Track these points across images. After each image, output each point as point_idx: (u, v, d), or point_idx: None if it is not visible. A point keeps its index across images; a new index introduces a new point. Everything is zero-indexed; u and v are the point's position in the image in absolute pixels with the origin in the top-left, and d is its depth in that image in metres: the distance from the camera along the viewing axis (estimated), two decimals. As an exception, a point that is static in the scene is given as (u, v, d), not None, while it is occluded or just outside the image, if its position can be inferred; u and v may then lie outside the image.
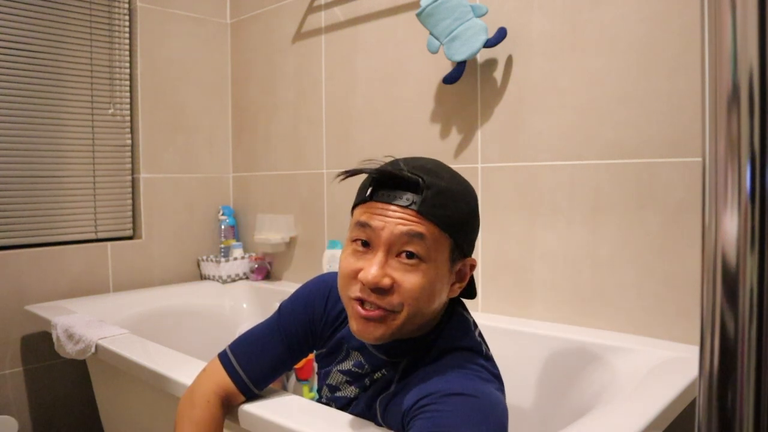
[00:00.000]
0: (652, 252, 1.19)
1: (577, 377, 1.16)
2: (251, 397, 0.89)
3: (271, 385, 0.92)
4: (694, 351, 1.08)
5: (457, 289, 0.78)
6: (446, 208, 0.71)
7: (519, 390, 1.24)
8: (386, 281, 0.70)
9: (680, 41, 1.14)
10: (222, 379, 0.87)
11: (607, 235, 1.25)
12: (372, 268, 0.70)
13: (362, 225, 0.72)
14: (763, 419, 0.28)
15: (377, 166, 0.73)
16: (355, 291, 0.72)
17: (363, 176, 0.75)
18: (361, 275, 0.71)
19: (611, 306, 1.25)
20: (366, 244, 0.72)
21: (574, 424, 0.81)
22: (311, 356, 1.64)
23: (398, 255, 0.71)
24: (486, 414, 0.65)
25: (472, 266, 0.79)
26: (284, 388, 1.70)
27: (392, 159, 0.76)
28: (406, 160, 0.74)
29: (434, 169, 0.73)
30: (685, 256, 1.15)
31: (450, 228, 0.72)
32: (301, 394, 1.54)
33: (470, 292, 0.83)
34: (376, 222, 0.71)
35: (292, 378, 1.71)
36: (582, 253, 1.29)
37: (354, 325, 0.73)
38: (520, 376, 1.25)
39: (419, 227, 0.70)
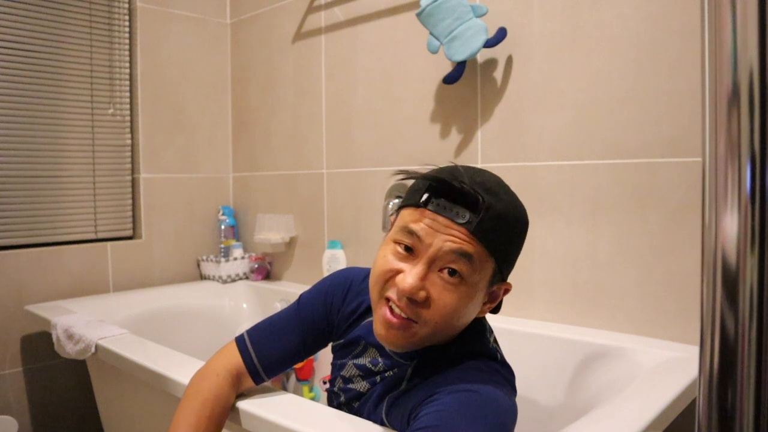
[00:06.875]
0: (652, 252, 1.19)
1: (577, 377, 1.16)
2: (259, 382, 0.90)
3: (271, 385, 0.93)
4: (694, 351, 1.08)
5: (487, 310, 0.77)
6: (499, 233, 0.69)
7: (518, 390, 1.24)
8: (422, 294, 0.68)
9: (680, 41, 1.14)
10: (234, 358, 0.88)
11: (607, 235, 1.25)
12: (410, 277, 0.68)
13: (410, 232, 0.70)
14: (763, 419, 0.28)
15: (436, 170, 0.71)
16: (388, 292, 0.71)
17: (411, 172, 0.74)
18: (398, 279, 0.69)
19: (611, 306, 1.25)
20: (409, 249, 0.70)
21: (574, 424, 0.81)
22: (311, 357, 1.64)
23: (440, 270, 0.69)
24: (486, 411, 0.65)
25: (507, 290, 0.77)
26: (284, 388, 1.70)
27: (452, 165, 0.74)
28: (467, 171, 0.71)
29: (494, 188, 0.70)
30: (685, 256, 1.15)
31: (497, 252, 0.70)
32: (301, 394, 1.54)
33: (495, 308, 0.81)
34: (425, 233, 0.68)
35: (292, 378, 1.70)
36: (582, 253, 1.29)
37: (378, 328, 0.73)
38: (519, 376, 1.24)
39: (469, 247, 0.67)
